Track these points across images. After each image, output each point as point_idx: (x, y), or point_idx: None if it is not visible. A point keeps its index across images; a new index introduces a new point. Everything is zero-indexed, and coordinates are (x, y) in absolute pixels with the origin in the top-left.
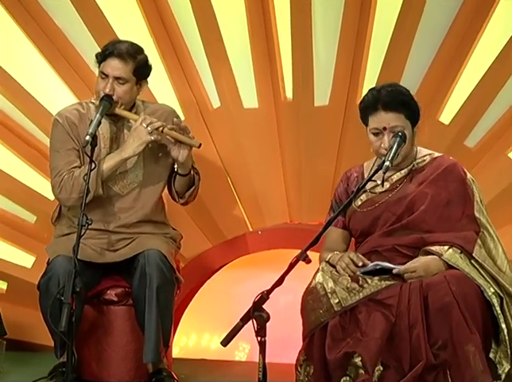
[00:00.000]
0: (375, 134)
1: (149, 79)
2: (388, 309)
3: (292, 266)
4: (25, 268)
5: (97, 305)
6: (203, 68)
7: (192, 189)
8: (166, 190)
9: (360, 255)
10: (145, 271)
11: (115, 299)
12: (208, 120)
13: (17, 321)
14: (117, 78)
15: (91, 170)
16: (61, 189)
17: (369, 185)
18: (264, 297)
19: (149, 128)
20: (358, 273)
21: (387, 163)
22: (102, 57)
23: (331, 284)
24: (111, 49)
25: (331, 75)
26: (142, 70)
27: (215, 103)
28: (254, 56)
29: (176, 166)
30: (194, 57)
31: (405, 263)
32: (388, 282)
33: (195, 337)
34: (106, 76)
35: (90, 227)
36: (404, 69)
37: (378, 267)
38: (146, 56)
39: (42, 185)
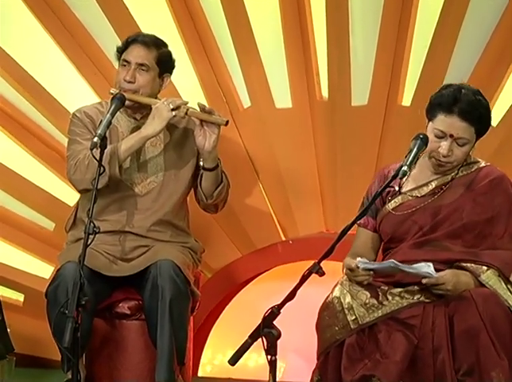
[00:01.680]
0: (438, 136)
1: (174, 77)
2: (410, 329)
3: (304, 278)
4: (42, 279)
5: (108, 318)
6: (233, 66)
7: (220, 187)
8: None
9: (367, 266)
10: (156, 283)
11: (128, 313)
12: (238, 121)
13: (34, 335)
14: (140, 65)
15: (100, 174)
16: (76, 169)
17: (406, 187)
18: (274, 312)
19: (170, 105)
20: (360, 266)
21: (405, 168)
22: (124, 46)
23: (348, 299)
24: (135, 37)
25: (370, 72)
26: (166, 62)
27: (246, 102)
28: (287, 53)
29: (201, 162)
30: (224, 54)
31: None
32: (410, 300)
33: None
34: (128, 63)
35: (104, 229)
36: (448, 68)
37: (392, 265)
38: (170, 51)
39: (61, 190)
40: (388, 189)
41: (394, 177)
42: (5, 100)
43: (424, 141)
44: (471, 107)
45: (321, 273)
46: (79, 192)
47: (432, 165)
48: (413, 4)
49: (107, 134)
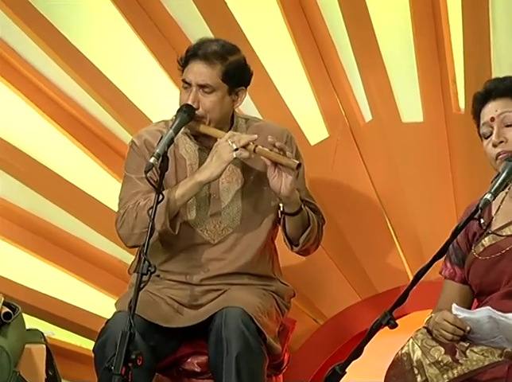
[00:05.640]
0: (485, 134)
1: (284, 87)
2: None
3: (373, 332)
4: None
5: (175, 377)
6: (354, 74)
7: (307, 231)
8: None
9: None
10: (221, 336)
11: (197, 370)
12: (359, 137)
13: None
14: (201, 86)
15: (158, 202)
16: (123, 222)
17: (495, 225)
18: (337, 372)
19: (233, 145)
20: (455, 312)
21: (488, 196)
22: (184, 61)
23: (418, 356)
24: (194, 50)
25: None
26: (236, 75)
27: (367, 116)
28: (418, 59)
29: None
30: (343, 61)
31: None
32: (493, 359)
33: None
34: (189, 84)
35: (168, 278)
36: None
37: (488, 314)
38: (242, 58)
39: None
40: (474, 231)
41: (477, 208)
42: (90, 116)
43: None
44: (507, 83)
45: (393, 325)
46: (128, 247)
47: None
48: None
49: (174, 167)
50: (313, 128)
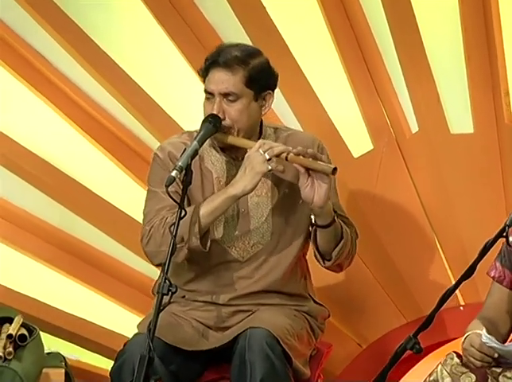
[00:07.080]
0: None
1: (327, 96)
2: None
3: (397, 357)
4: None
5: None
6: (399, 81)
7: (340, 245)
8: None
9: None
10: (244, 358)
11: None
12: (405, 149)
13: None
14: (225, 95)
15: (180, 219)
16: (149, 239)
17: None
18: None
19: (266, 155)
20: (485, 341)
21: None
22: (204, 71)
23: None
24: (213, 58)
25: None
26: (261, 79)
27: (414, 127)
28: (468, 68)
29: (313, 216)
30: (389, 69)
31: None
32: None
33: None
34: (212, 94)
35: (194, 298)
36: None
37: None
38: (265, 60)
39: None
40: None
41: (505, 225)
42: (122, 127)
43: None
44: None
45: (418, 349)
46: (155, 266)
47: None
48: None
49: (200, 181)
50: (357, 140)
